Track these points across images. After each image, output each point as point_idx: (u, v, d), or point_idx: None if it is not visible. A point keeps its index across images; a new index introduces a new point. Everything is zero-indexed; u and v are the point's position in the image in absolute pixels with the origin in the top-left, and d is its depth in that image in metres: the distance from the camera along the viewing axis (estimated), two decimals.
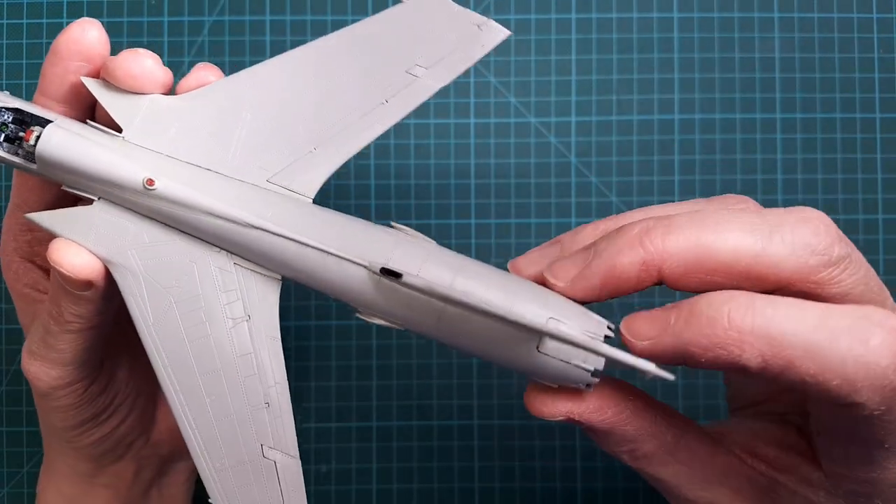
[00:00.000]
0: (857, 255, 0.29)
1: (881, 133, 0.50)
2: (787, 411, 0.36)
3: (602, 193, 0.50)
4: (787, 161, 0.50)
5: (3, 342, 0.50)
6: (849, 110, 0.50)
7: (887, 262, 0.49)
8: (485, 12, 0.49)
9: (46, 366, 0.36)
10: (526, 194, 0.50)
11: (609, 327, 0.30)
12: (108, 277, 0.33)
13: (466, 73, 0.41)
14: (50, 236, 0.33)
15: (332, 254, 0.31)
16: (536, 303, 0.30)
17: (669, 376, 0.26)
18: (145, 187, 0.32)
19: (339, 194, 0.50)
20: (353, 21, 0.49)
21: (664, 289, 0.30)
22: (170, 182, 0.32)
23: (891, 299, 0.31)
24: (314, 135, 0.34)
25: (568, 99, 0.50)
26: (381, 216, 0.50)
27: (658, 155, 0.50)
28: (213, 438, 0.33)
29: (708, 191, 0.50)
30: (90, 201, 0.33)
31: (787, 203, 0.49)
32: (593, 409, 0.31)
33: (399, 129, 0.49)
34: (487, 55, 0.38)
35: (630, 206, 0.49)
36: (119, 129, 0.33)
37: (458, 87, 0.45)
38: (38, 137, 0.32)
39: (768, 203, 0.39)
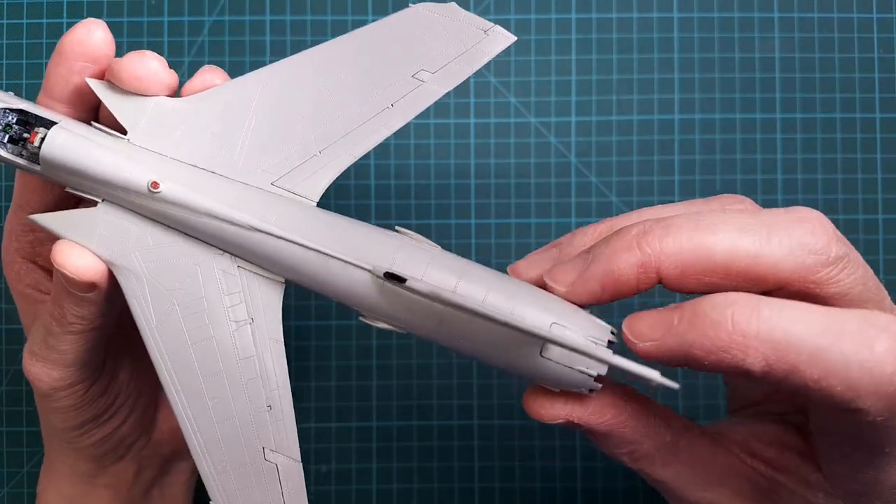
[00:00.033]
0: (855, 255, 0.29)
1: (881, 133, 0.50)
2: (786, 411, 0.36)
3: (602, 193, 0.50)
4: (787, 161, 0.50)
5: (4, 342, 0.50)
6: (849, 110, 0.50)
7: (887, 262, 0.49)
8: (485, 12, 0.49)
9: (48, 367, 0.36)
10: (526, 194, 0.50)
11: (612, 332, 0.30)
12: (111, 279, 0.33)
13: None
14: (52, 237, 0.33)
15: (335, 257, 0.31)
16: (540, 307, 0.30)
17: (674, 385, 0.26)
18: (150, 190, 0.32)
19: (339, 194, 0.50)
20: (354, 21, 0.49)
21: (664, 289, 0.30)
22: (174, 185, 0.32)
23: (888, 299, 0.31)
24: (319, 138, 0.34)
25: (568, 99, 0.50)
26: (381, 216, 0.50)
27: (658, 155, 0.50)
28: (215, 440, 0.33)
29: (708, 191, 0.50)
30: (93, 203, 0.33)
31: (788, 203, 0.49)
32: (592, 412, 0.31)
33: (400, 129, 0.49)
34: None
35: (630, 206, 0.49)
36: (124, 131, 0.33)
37: (459, 87, 0.44)
38: (42, 139, 0.32)
39: (768, 203, 0.39)
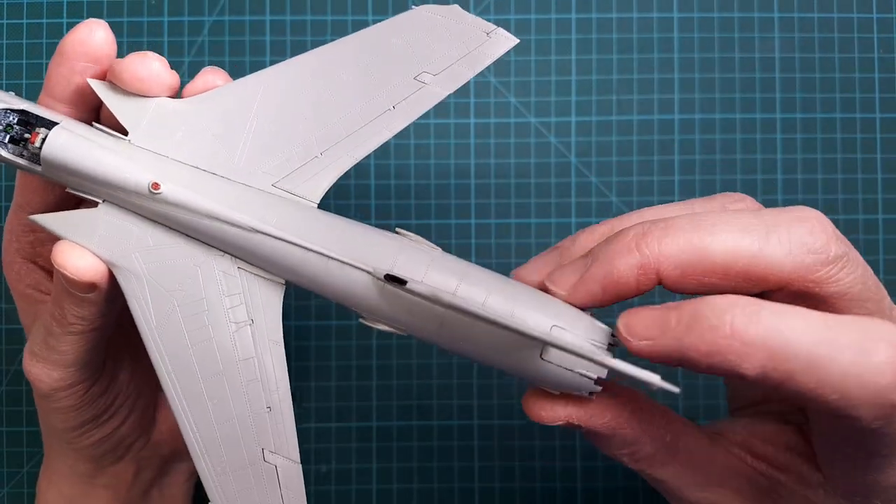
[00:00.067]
0: (855, 254, 0.29)
1: (881, 133, 0.50)
2: (787, 411, 0.36)
3: (602, 193, 0.50)
4: (787, 161, 0.50)
5: (4, 342, 0.50)
6: (849, 110, 0.50)
7: (887, 262, 0.49)
8: (485, 12, 0.49)
9: (48, 367, 0.36)
10: (526, 194, 0.50)
11: (613, 335, 0.30)
12: (112, 280, 0.33)
13: None
14: (53, 237, 0.33)
15: (335, 259, 0.31)
16: (540, 310, 0.30)
17: (675, 389, 0.26)
18: (151, 191, 0.32)
19: (339, 194, 0.50)
20: (354, 21, 0.49)
21: (665, 290, 0.30)
22: (175, 186, 0.32)
23: (888, 298, 0.31)
24: (320, 140, 0.34)
25: (568, 99, 0.50)
26: (381, 216, 0.50)
27: (658, 155, 0.50)
28: (215, 442, 0.33)
29: (708, 191, 0.50)
30: (94, 203, 0.33)
31: (787, 203, 0.49)
32: (592, 414, 0.31)
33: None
34: None
35: (630, 206, 0.49)
36: (125, 132, 0.33)
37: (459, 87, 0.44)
38: (43, 140, 0.32)
39: (768, 203, 0.39)
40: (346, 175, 0.35)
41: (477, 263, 0.32)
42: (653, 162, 0.50)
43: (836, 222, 0.29)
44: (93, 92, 0.34)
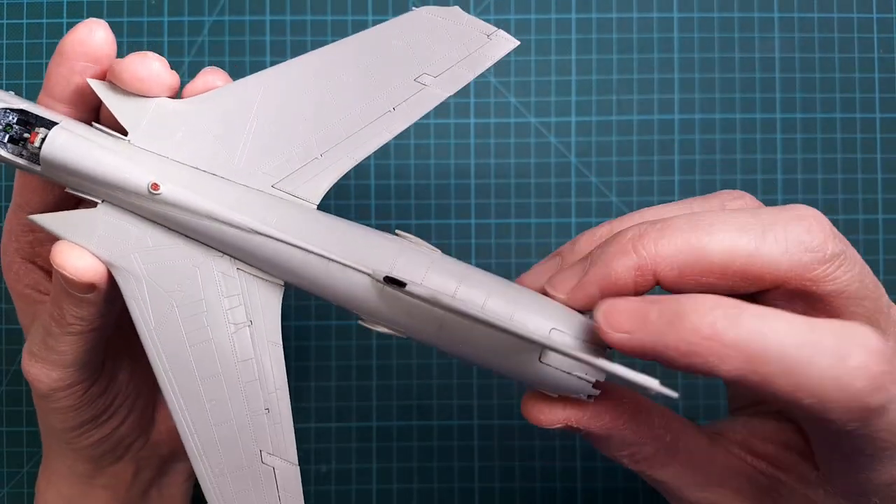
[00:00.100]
0: (852, 252, 0.29)
1: (881, 133, 0.50)
2: (786, 410, 0.36)
3: (602, 193, 0.50)
4: (787, 161, 0.50)
5: (3, 342, 0.50)
6: (849, 110, 0.50)
7: (887, 262, 0.49)
8: (484, 12, 0.49)
9: (47, 367, 0.36)
10: (526, 194, 0.50)
11: None
12: (111, 280, 0.33)
13: None
14: (52, 237, 0.33)
15: (335, 261, 0.31)
16: (540, 313, 0.30)
17: (673, 394, 0.26)
18: (150, 192, 0.32)
19: (339, 194, 0.50)
20: (354, 21, 0.49)
21: (663, 290, 0.30)
22: (175, 187, 0.32)
23: (886, 296, 0.31)
24: (321, 141, 0.34)
25: (568, 99, 0.50)
26: (381, 216, 0.50)
27: (658, 155, 0.50)
28: (212, 443, 0.33)
29: (708, 191, 0.49)
30: (93, 203, 0.33)
31: (788, 203, 0.49)
32: (591, 416, 0.31)
33: None
34: None
35: (630, 206, 0.49)
36: (124, 132, 0.33)
37: None
38: (42, 140, 0.32)
39: (768, 203, 0.39)
40: (346, 175, 0.35)
41: (477, 263, 0.32)
42: (653, 162, 0.50)
43: (836, 222, 0.29)
44: (92, 92, 0.34)
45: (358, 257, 0.31)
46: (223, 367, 0.33)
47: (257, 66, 0.49)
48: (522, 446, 0.50)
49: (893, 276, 0.49)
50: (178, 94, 0.35)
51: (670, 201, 0.35)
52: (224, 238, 0.32)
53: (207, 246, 0.33)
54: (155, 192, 0.32)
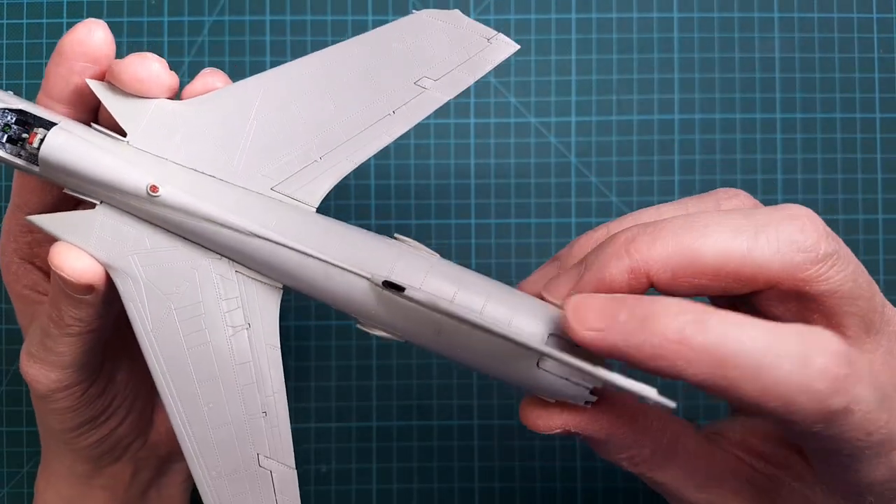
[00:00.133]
0: (846, 251, 0.29)
1: (881, 133, 0.50)
2: None
3: (602, 193, 0.50)
4: (787, 161, 0.50)
5: (3, 342, 0.50)
6: (849, 110, 0.50)
7: (887, 261, 0.49)
8: (485, 12, 0.49)
9: (45, 368, 0.36)
10: (526, 194, 0.50)
11: None
12: (109, 282, 0.33)
13: None
14: (50, 238, 0.33)
15: (333, 264, 0.31)
16: (538, 319, 0.30)
17: (671, 403, 0.26)
18: (149, 194, 0.32)
19: (339, 194, 0.50)
20: (354, 21, 0.49)
21: (657, 292, 0.30)
22: (174, 189, 0.32)
23: (880, 295, 0.31)
24: (320, 144, 0.34)
25: (568, 99, 0.50)
26: (381, 216, 0.50)
27: (658, 155, 0.50)
28: (210, 445, 0.33)
29: (708, 191, 0.49)
30: (92, 205, 0.33)
31: (787, 203, 0.49)
32: (588, 420, 0.31)
33: None
34: None
35: (630, 206, 0.49)
36: (123, 133, 0.33)
37: None
38: (41, 140, 0.32)
39: (768, 203, 0.39)
40: (346, 175, 0.35)
41: (477, 263, 0.32)
42: (653, 162, 0.50)
43: (836, 222, 0.29)
44: (91, 92, 0.34)
45: (356, 261, 0.31)
46: (221, 369, 0.33)
47: (257, 67, 0.49)
48: (522, 446, 0.50)
49: (893, 276, 0.48)
50: (177, 96, 0.35)
51: (670, 201, 0.35)
52: (222, 241, 0.32)
53: (206, 248, 0.33)
54: (154, 194, 0.32)
